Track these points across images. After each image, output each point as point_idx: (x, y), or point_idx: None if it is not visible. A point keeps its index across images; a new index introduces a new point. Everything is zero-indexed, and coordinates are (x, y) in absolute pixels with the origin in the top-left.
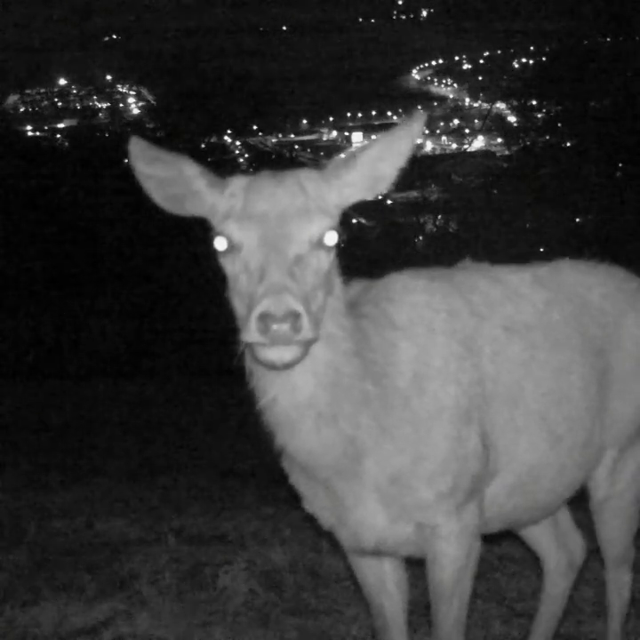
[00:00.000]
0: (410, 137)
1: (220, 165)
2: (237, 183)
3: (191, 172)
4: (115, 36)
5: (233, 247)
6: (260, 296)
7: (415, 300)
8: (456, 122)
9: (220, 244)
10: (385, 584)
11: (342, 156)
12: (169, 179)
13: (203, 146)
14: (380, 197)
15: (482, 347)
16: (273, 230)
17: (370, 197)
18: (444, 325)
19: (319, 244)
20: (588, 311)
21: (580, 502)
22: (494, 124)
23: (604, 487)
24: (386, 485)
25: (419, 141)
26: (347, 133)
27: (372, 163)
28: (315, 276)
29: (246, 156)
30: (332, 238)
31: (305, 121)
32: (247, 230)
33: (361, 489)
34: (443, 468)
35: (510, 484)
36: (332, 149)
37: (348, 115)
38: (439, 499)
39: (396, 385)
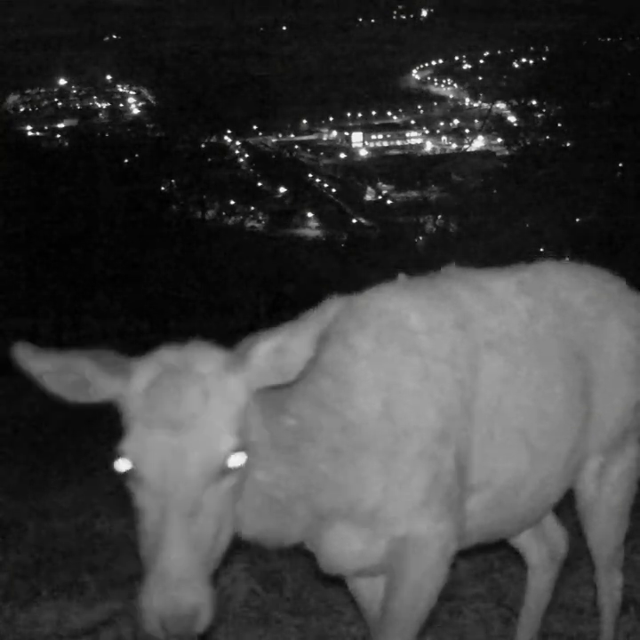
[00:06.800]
0: (310, 334)
1: (220, 165)
2: (136, 388)
3: (87, 368)
4: (115, 36)
5: (134, 472)
6: (155, 587)
7: (387, 322)
8: (456, 122)
9: (122, 463)
10: (378, 594)
11: (250, 341)
12: (63, 374)
13: (203, 146)
14: (379, 197)
15: (464, 360)
16: (171, 470)
17: (280, 383)
18: (419, 345)
19: (224, 471)
20: (571, 316)
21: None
22: (494, 124)
23: (591, 491)
24: (358, 520)
25: (419, 141)
26: (347, 133)
27: (278, 354)
28: (219, 511)
29: (246, 155)
30: (238, 459)
31: (305, 121)
32: (143, 465)
33: (331, 534)
34: (415, 484)
35: (488, 500)
36: (332, 149)
37: (348, 115)
38: (412, 510)
39: (363, 425)
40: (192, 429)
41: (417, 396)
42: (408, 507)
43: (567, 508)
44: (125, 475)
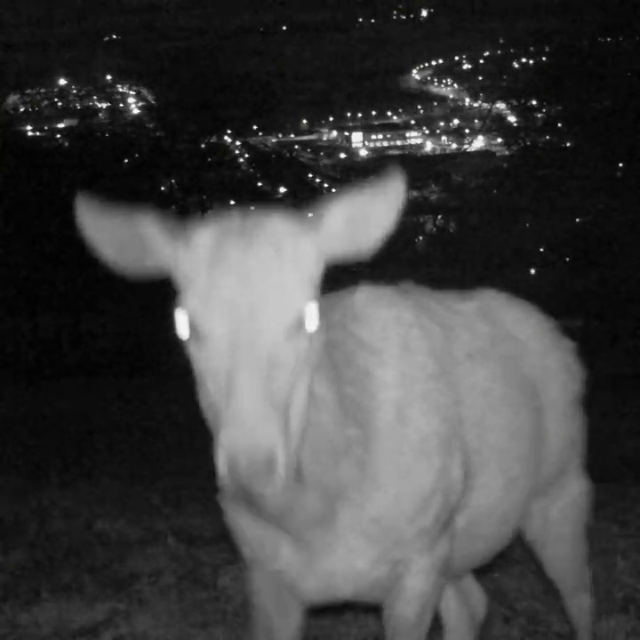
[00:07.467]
0: (392, 199)
1: (220, 165)
2: (201, 244)
3: (146, 227)
4: (115, 36)
5: (196, 333)
6: (228, 427)
7: (384, 316)
8: (456, 122)
9: (182, 328)
10: (286, 611)
11: (323, 204)
12: (121, 236)
13: (203, 146)
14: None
15: (452, 367)
16: (242, 323)
17: (353, 254)
18: (418, 343)
19: (299, 328)
20: (521, 350)
21: None
22: (494, 124)
23: (535, 530)
24: (367, 528)
25: (419, 141)
26: (347, 133)
27: (354, 221)
28: (295, 369)
29: (246, 156)
30: (313, 318)
31: (305, 121)
32: (210, 319)
33: (336, 537)
34: (426, 503)
35: (463, 522)
36: (332, 149)
37: (348, 115)
38: (419, 535)
39: (377, 419)
40: (264, 279)
41: (424, 401)
42: (415, 530)
43: None
44: (187, 340)
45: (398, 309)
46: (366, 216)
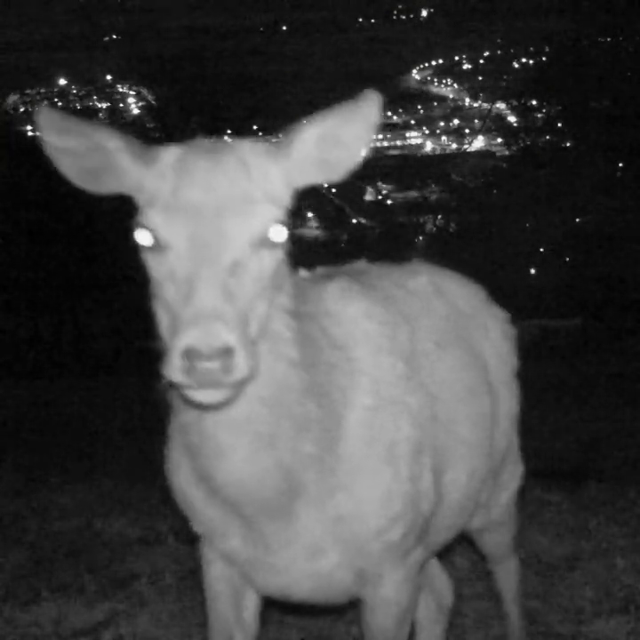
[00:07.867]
0: (365, 121)
1: None
2: (167, 158)
3: (111, 143)
4: (115, 36)
5: (158, 245)
6: (186, 323)
7: (354, 311)
8: (456, 122)
9: (143, 238)
10: (242, 614)
11: (294, 127)
12: (85, 152)
13: None
14: (379, 197)
15: (420, 362)
16: (206, 229)
17: (326, 181)
18: (387, 342)
19: (263, 241)
20: (470, 326)
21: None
22: (494, 124)
23: (480, 517)
24: (328, 529)
25: (419, 141)
26: None
27: (326, 144)
28: (257, 282)
29: None
30: (279, 233)
31: (305, 121)
32: (175, 227)
33: (294, 534)
34: (393, 515)
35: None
36: None
37: None
38: (388, 549)
39: (342, 415)
40: (229, 189)
41: (393, 405)
42: (383, 545)
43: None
44: (146, 251)
45: (368, 303)
46: (338, 138)
